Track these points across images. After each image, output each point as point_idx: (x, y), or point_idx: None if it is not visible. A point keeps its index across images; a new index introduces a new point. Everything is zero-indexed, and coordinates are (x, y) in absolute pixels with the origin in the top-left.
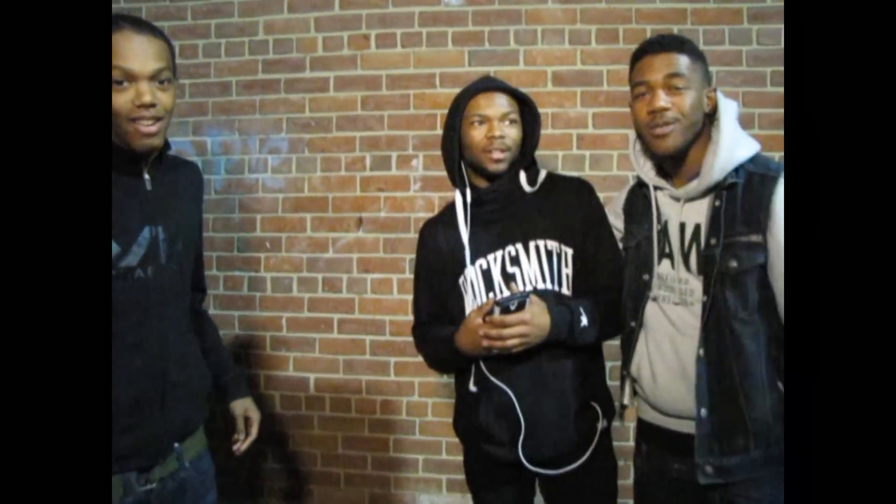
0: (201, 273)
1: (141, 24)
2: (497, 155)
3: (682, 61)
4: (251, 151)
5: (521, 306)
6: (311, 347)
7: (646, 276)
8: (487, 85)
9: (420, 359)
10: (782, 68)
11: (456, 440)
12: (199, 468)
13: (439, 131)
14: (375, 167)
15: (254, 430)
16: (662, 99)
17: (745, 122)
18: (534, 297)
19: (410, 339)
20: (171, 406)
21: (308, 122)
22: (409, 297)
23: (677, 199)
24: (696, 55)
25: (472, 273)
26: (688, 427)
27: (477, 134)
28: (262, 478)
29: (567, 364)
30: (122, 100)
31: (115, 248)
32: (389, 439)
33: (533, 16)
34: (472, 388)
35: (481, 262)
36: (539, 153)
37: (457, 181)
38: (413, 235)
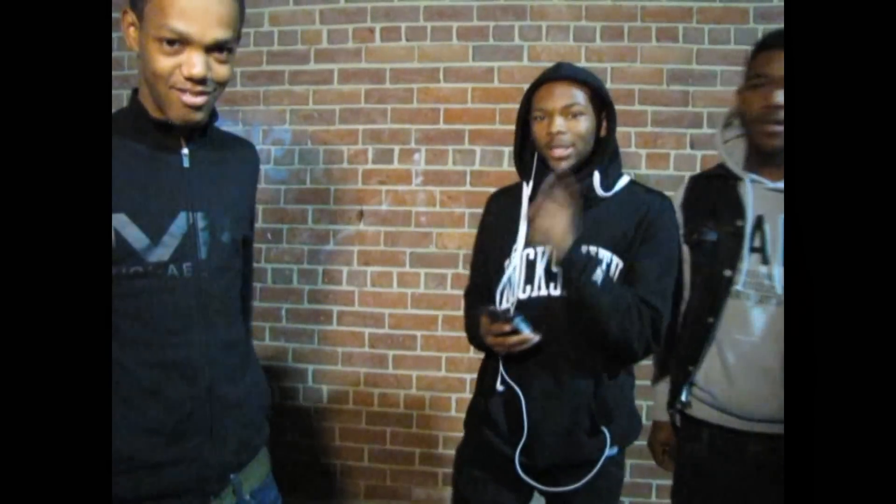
0: (248, 286)
1: None
2: (558, 152)
3: None
4: (254, 142)
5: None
6: (310, 339)
7: (727, 272)
8: (550, 75)
9: (418, 353)
10: None
11: (453, 434)
12: (263, 500)
13: (442, 126)
14: (377, 160)
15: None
16: (781, 96)
17: None
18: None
19: (409, 332)
20: (223, 430)
21: (311, 114)
22: (408, 291)
23: (780, 192)
24: None
25: (517, 259)
26: (760, 429)
27: (539, 130)
28: None
29: (587, 383)
30: (167, 63)
31: (142, 239)
32: (386, 432)
33: (538, 12)
34: (499, 387)
35: (529, 251)
36: None
37: (522, 173)
38: (413, 229)
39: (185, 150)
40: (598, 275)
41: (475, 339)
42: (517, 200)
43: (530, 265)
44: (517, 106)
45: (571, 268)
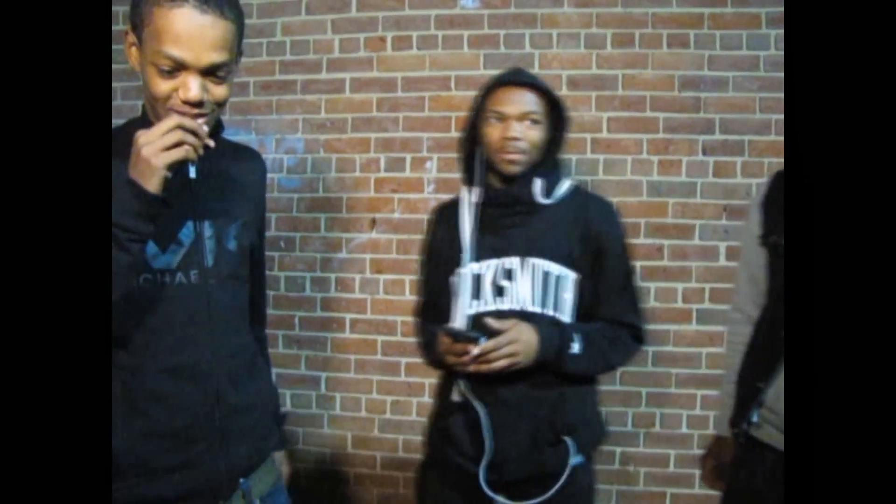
0: (260, 293)
1: (209, 1)
2: (511, 157)
3: None
4: (267, 151)
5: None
6: (324, 346)
7: None
8: (511, 79)
9: None
10: None
11: None
12: None
13: (454, 134)
14: (390, 168)
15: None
16: None
17: (761, 128)
18: (516, 320)
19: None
20: (233, 436)
21: (324, 122)
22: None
23: None
24: None
25: (464, 276)
26: None
27: (493, 132)
28: None
29: (550, 392)
30: (165, 86)
31: (151, 247)
32: (399, 439)
33: (548, 19)
34: (455, 397)
35: (474, 266)
36: None
37: (466, 177)
38: None
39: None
40: (576, 347)
41: (431, 357)
42: (456, 214)
43: (476, 281)
44: None
45: (549, 358)
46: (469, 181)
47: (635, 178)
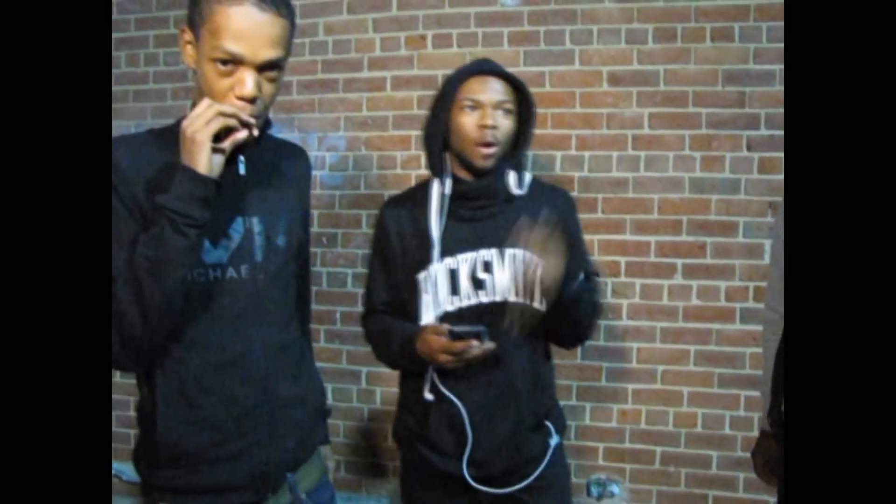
0: (305, 289)
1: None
2: (485, 150)
3: None
4: (310, 149)
5: (476, 338)
6: (364, 341)
7: None
8: (483, 68)
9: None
10: None
11: None
12: (318, 499)
13: None
14: None
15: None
16: None
17: None
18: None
19: None
20: (282, 428)
21: (365, 120)
22: None
23: None
24: None
25: (437, 271)
26: None
27: (467, 121)
28: None
29: (524, 379)
30: (222, 84)
31: (204, 243)
32: None
33: (589, 15)
34: (428, 395)
35: (450, 261)
36: (593, 154)
37: (437, 169)
38: None
39: (241, 158)
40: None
41: (397, 361)
42: (419, 208)
43: (453, 275)
44: (570, 110)
45: (582, 296)
46: (438, 173)
47: (678, 175)
